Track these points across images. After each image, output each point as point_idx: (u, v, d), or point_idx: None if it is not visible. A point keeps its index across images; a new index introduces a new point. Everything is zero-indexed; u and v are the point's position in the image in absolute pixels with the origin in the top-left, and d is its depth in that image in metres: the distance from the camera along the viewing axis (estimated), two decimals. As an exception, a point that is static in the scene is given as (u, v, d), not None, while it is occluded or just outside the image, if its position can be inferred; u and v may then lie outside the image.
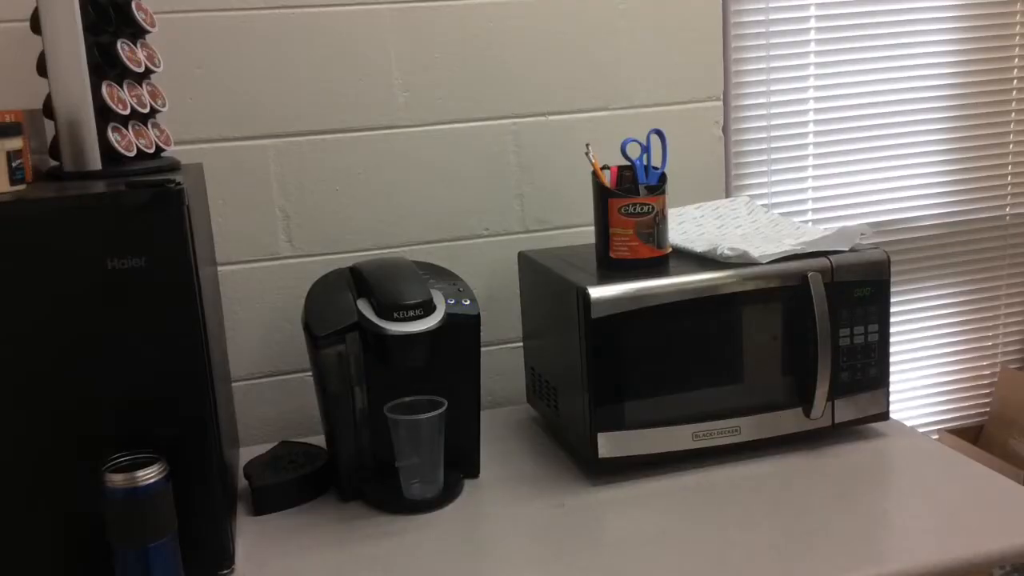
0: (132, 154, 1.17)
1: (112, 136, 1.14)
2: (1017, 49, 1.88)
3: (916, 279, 1.92)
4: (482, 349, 1.27)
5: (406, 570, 1.08)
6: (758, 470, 1.26)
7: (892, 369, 1.35)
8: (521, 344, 1.54)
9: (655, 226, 1.29)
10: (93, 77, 1.12)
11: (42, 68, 1.13)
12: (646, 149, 1.33)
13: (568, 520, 1.17)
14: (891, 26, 1.79)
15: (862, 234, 1.33)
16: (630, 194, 1.29)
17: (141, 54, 1.21)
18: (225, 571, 1.09)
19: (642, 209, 1.28)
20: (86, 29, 1.11)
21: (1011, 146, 1.93)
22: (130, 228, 0.98)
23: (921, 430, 1.91)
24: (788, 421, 1.29)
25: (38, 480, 1.01)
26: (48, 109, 1.14)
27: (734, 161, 1.74)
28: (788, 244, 1.30)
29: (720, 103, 1.69)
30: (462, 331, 1.23)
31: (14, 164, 1.03)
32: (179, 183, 1.00)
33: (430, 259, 1.53)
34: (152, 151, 1.22)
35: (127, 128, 1.18)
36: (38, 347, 0.98)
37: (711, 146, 1.70)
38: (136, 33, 1.22)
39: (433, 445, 1.21)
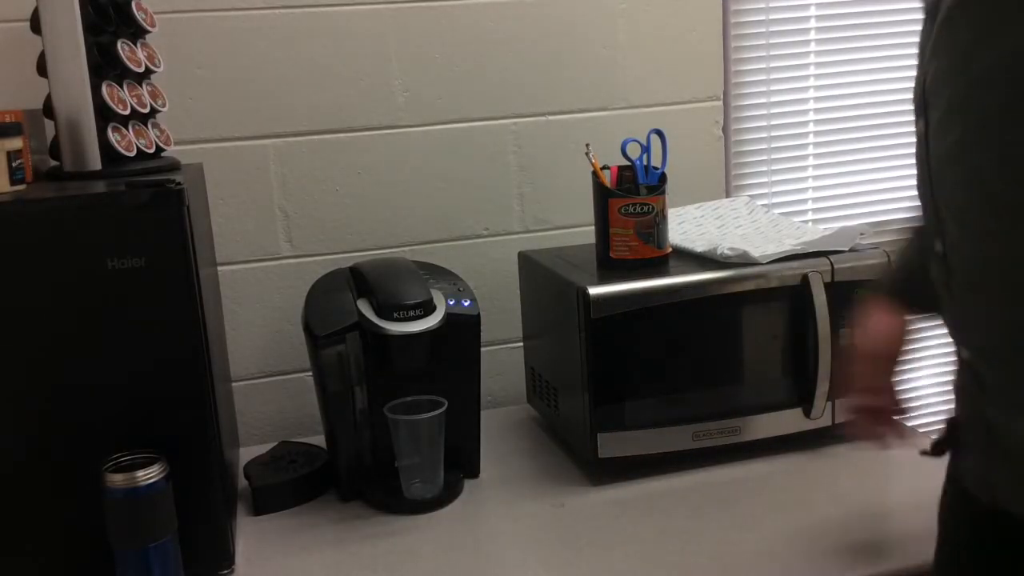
0: (132, 154, 1.17)
1: (112, 136, 1.14)
2: (1017, 49, 1.88)
3: (916, 279, 1.92)
4: (482, 349, 1.27)
5: (406, 570, 1.08)
6: (758, 470, 1.26)
7: (892, 369, 1.34)
8: (521, 344, 1.54)
9: (655, 226, 1.29)
10: (93, 77, 1.12)
11: (42, 68, 1.13)
12: (646, 149, 1.33)
13: (568, 520, 1.17)
14: (891, 26, 1.79)
15: (862, 234, 1.33)
16: (630, 194, 1.29)
17: (141, 54, 1.21)
18: (225, 571, 1.09)
19: (642, 209, 1.28)
20: (86, 29, 1.11)
21: (1011, 146, 1.92)
22: (130, 228, 0.98)
23: (921, 430, 1.91)
24: (788, 421, 1.29)
25: (38, 480, 1.01)
26: (48, 109, 1.14)
27: (734, 161, 1.74)
28: (788, 244, 1.30)
29: (720, 103, 1.69)
30: (462, 331, 1.23)
31: (14, 164, 1.03)
32: (179, 183, 1.00)
33: (430, 259, 1.53)
34: (152, 151, 1.22)
35: (127, 128, 1.18)
36: (38, 347, 0.98)
37: (711, 146, 1.70)
38: (136, 33, 1.22)
39: (433, 445, 1.21)
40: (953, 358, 0.85)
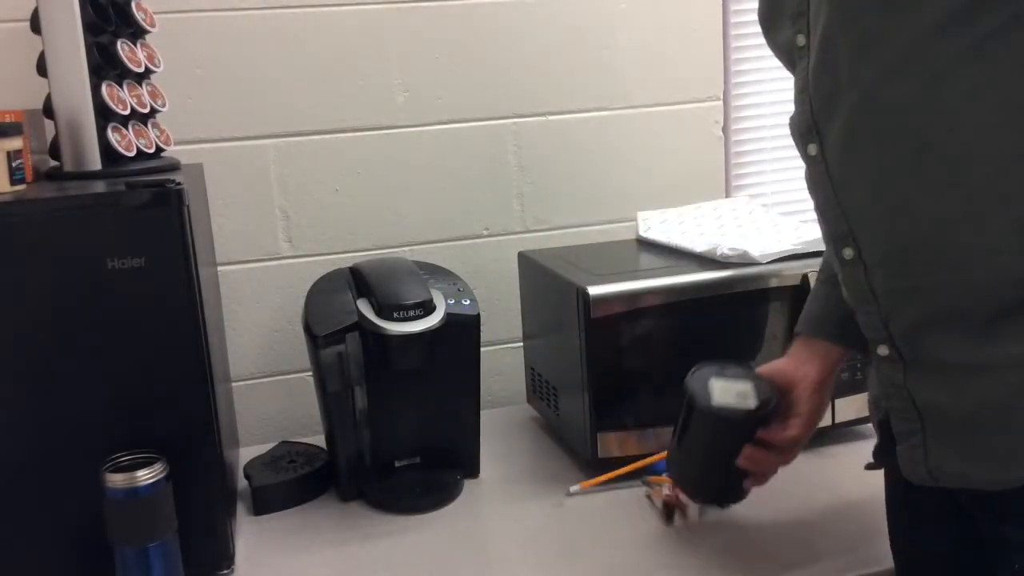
0: (132, 154, 1.17)
1: (112, 136, 1.14)
2: (1017, 49, 1.88)
3: (916, 279, 1.92)
4: (482, 349, 1.27)
5: (406, 570, 1.08)
6: (758, 470, 1.26)
7: (892, 369, 1.34)
8: (521, 344, 1.54)
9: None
10: (93, 77, 1.12)
11: (42, 68, 1.13)
12: None
13: (568, 520, 1.17)
14: (891, 26, 1.79)
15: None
16: None
17: (141, 54, 1.21)
18: (225, 571, 1.09)
19: None
20: (86, 29, 1.11)
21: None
22: (130, 228, 0.98)
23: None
24: (788, 421, 1.29)
25: (38, 480, 1.01)
26: (48, 109, 1.14)
27: (734, 161, 1.74)
28: (788, 244, 1.30)
29: (720, 103, 1.69)
30: (462, 331, 1.23)
31: (14, 164, 1.03)
32: (179, 183, 1.00)
33: (430, 259, 1.53)
34: (152, 151, 1.22)
35: (127, 128, 1.18)
36: (38, 347, 0.98)
37: (711, 146, 1.70)
38: (136, 33, 1.22)
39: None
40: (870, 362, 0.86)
